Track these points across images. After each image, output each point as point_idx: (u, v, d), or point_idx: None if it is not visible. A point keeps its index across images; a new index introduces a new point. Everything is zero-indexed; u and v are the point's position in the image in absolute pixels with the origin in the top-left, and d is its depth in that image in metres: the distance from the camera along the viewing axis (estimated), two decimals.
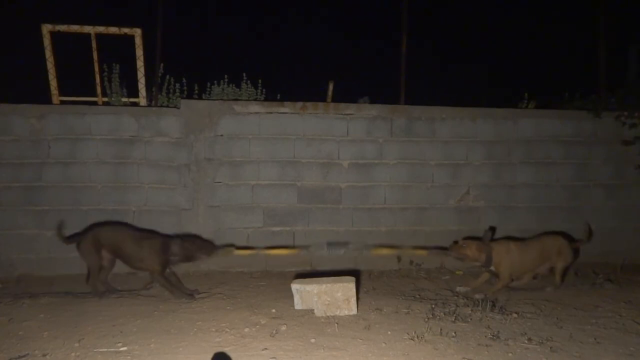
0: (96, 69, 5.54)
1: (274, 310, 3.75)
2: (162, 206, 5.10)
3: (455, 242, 4.44)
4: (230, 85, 5.86)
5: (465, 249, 4.29)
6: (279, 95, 5.88)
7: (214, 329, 3.33)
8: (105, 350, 2.97)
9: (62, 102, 5.49)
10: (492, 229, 4.52)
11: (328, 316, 3.58)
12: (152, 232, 4.65)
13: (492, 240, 4.44)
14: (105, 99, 5.60)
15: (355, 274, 3.98)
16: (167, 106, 5.55)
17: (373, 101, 5.55)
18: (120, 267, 4.50)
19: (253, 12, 11.23)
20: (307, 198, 5.27)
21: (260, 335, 3.22)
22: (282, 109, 5.24)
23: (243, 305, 3.92)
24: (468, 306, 3.82)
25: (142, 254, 4.17)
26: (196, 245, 4.34)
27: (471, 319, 3.53)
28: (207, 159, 5.14)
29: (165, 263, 4.21)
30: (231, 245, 4.88)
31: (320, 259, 5.25)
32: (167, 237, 4.39)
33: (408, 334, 3.21)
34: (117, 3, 8.59)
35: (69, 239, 4.36)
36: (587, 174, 5.61)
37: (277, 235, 5.24)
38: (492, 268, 4.30)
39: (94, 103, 5.54)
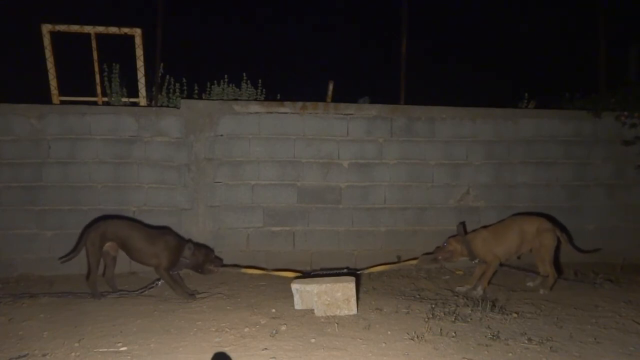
0: (96, 68, 5.53)
1: (274, 310, 3.75)
2: (162, 206, 5.10)
3: (438, 247, 4.55)
4: (230, 85, 5.85)
5: (447, 246, 4.44)
6: (279, 95, 5.87)
7: (214, 329, 3.33)
8: (105, 350, 2.97)
9: (62, 102, 5.48)
10: (462, 223, 4.61)
11: (328, 316, 3.58)
12: (161, 228, 4.66)
13: (466, 233, 4.54)
14: (105, 99, 5.60)
15: (355, 273, 3.98)
16: (167, 106, 5.55)
17: (373, 101, 5.54)
18: (120, 267, 4.50)
19: (253, 11, 11.24)
20: (307, 198, 5.27)
21: (260, 335, 3.22)
22: (282, 109, 5.24)
23: (243, 305, 3.92)
24: (468, 306, 3.82)
25: (155, 250, 4.15)
26: (206, 256, 4.37)
27: (471, 319, 3.53)
28: (207, 159, 5.14)
29: (175, 262, 4.22)
30: (237, 265, 4.85)
31: (320, 259, 5.26)
32: (181, 239, 4.41)
33: (408, 334, 3.21)
34: (117, 3, 8.58)
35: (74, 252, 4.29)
36: (587, 174, 5.61)
37: (277, 235, 5.24)
38: (477, 260, 4.42)
39: (94, 103, 5.54)
